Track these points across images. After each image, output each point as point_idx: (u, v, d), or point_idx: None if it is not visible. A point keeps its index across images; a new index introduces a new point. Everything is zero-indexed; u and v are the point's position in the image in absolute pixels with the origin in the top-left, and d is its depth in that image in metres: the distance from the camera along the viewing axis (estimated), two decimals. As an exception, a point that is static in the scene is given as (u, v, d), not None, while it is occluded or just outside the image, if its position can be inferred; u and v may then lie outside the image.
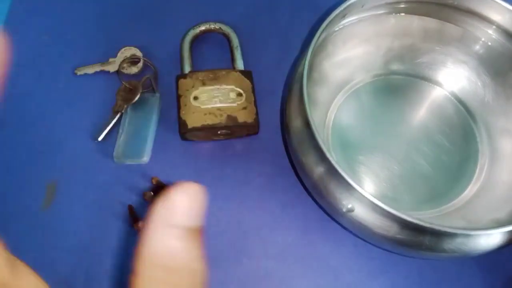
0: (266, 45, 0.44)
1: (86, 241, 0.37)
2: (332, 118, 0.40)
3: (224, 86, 0.39)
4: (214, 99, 0.38)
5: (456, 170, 0.39)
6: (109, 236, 0.37)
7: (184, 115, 0.38)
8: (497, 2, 0.36)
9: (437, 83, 0.42)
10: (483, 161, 0.39)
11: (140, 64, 0.43)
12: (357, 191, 0.28)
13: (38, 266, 0.16)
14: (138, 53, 0.43)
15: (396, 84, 0.42)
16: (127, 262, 0.36)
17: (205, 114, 0.38)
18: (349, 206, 0.30)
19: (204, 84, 0.39)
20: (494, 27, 0.38)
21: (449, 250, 0.29)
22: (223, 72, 0.40)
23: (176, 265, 0.14)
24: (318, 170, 0.31)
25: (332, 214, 0.33)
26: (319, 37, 0.33)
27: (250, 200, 0.38)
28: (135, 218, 0.37)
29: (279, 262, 0.36)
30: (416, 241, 0.29)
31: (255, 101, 0.39)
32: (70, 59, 0.43)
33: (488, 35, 0.38)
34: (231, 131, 0.39)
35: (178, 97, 0.39)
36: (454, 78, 0.41)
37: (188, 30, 0.43)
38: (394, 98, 0.42)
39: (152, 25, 0.45)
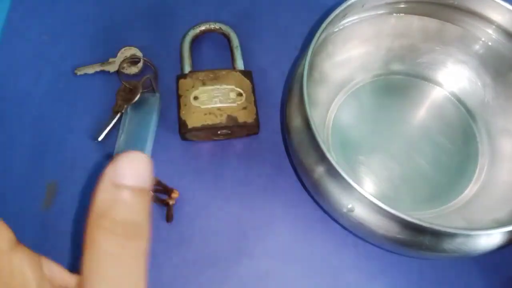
0: (266, 45, 0.44)
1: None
2: (332, 118, 0.40)
3: (224, 86, 0.39)
4: (214, 99, 0.38)
5: (456, 170, 0.39)
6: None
7: (184, 115, 0.38)
8: (497, 2, 0.36)
9: (437, 83, 0.42)
10: (483, 161, 0.39)
11: (140, 64, 0.43)
12: (357, 191, 0.28)
13: (38, 266, 0.16)
14: (138, 53, 0.43)
15: (396, 84, 0.42)
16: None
17: (205, 114, 0.38)
18: (349, 206, 0.30)
19: (204, 84, 0.39)
20: (494, 27, 0.38)
21: (449, 250, 0.29)
22: (223, 72, 0.40)
23: (121, 218, 0.16)
24: (318, 170, 0.31)
25: (332, 214, 0.33)
26: (319, 37, 0.33)
27: (250, 200, 0.38)
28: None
29: (279, 262, 0.36)
30: (416, 241, 0.29)
31: (255, 101, 0.39)
32: (70, 59, 0.43)
33: (488, 35, 0.38)
34: (231, 131, 0.39)
35: (178, 97, 0.39)
36: (454, 78, 0.41)
37: (188, 30, 0.43)
38: (394, 98, 0.42)
39: (152, 25, 0.45)
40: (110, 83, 0.42)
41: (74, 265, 0.36)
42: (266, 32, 0.45)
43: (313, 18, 0.45)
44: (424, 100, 0.42)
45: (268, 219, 0.38)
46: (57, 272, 0.21)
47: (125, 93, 0.41)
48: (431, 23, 0.40)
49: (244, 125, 0.38)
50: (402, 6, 0.39)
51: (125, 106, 0.40)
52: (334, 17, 0.34)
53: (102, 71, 0.43)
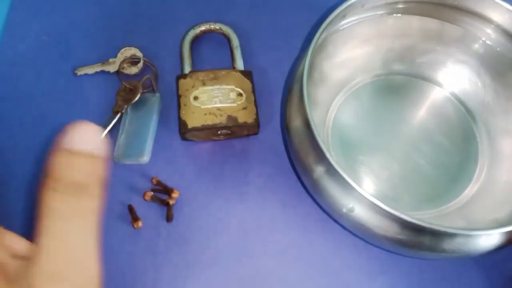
0: (266, 45, 0.44)
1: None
2: (332, 118, 0.40)
3: (224, 86, 0.39)
4: (214, 99, 0.38)
5: (456, 170, 0.39)
6: (109, 235, 0.37)
7: (184, 115, 0.38)
8: (497, 2, 0.36)
9: (437, 83, 0.42)
10: (483, 161, 0.39)
11: (140, 64, 0.43)
12: (357, 191, 0.28)
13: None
14: (138, 53, 0.43)
15: (396, 84, 0.42)
16: (125, 261, 0.36)
17: (205, 114, 0.38)
18: (349, 206, 0.30)
19: (204, 84, 0.39)
20: (494, 27, 0.38)
21: (449, 250, 0.29)
22: (223, 72, 0.40)
23: (67, 179, 0.18)
24: (318, 170, 0.31)
25: (332, 214, 0.33)
26: (319, 37, 0.33)
27: (250, 200, 0.38)
28: (135, 217, 0.37)
29: (279, 262, 0.36)
30: (416, 241, 0.29)
31: (255, 101, 0.39)
32: (70, 59, 0.43)
33: (488, 35, 0.39)
34: (231, 131, 0.39)
35: (178, 97, 0.39)
36: (454, 78, 0.41)
37: (188, 30, 0.43)
38: (394, 98, 0.42)
39: (152, 25, 0.45)
40: (110, 83, 0.42)
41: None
42: (266, 32, 0.45)
43: (313, 18, 0.45)
44: (424, 100, 0.42)
45: (268, 219, 0.38)
46: (14, 240, 0.22)
47: (125, 93, 0.41)
48: (431, 23, 0.40)
49: (244, 125, 0.38)
50: (402, 6, 0.39)
51: (125, 106, 0.40)
52: (334, 18, 0.34)
53: (102, 71, 0.43)
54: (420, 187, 0.38)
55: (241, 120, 0.38)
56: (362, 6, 0.36)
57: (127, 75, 0.43)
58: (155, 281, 0.36)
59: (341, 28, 0.38)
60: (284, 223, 0.38)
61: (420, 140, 0.40)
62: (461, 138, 0.40)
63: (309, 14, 0.45)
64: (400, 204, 0.37)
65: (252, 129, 0.39)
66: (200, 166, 0.40)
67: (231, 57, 0.42)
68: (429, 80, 0.42)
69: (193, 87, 0.39)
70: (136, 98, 0.40)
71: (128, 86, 0.41)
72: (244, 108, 0.38)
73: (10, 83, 0.42)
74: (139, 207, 0.38)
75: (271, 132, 0.41)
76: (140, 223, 0.37)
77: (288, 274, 0.36)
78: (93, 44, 0.44)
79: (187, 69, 0.41)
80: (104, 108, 0.41)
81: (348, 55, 0.41)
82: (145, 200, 0.37)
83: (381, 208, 0.28)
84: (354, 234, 0.36)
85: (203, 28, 0.43)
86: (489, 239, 0.30)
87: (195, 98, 0.39)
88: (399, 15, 0.40)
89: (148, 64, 0.43)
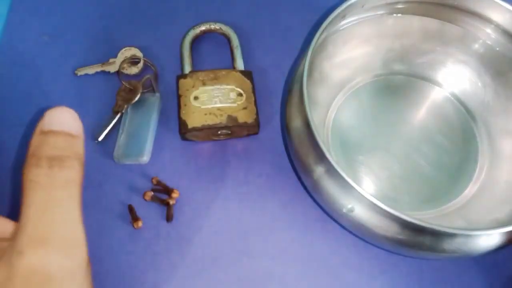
0: (266, 45, 0.44)
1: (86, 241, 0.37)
2: (332, 118, 0.40)
3: (224, 86, 0.39)
4: (214, 99, 0.38)
5: (456, 170, 0.39)
6: (109, 235, 0.37)
7: (184, 115, 0.38)
8: (497, 2, 0.36)
9: (437, 83, 0.42)
10: (483, 161, 0.39)
11: (141, 65, 0.43)
12: (357, 191, 0.28)
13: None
14: (139, 54, 0.43)
15: (396, 85, 0.42)
16: (125, 261, 0.36)
17: (205, 114, 0.38)
18: (349, 206, 0.30)
19: (204, 84, 0.39)
20: (494, 27, 0.38)
21: (449, 250, 0.29)
22: (223, 72, 0.40)
23: (46, 154, 0.20)
24: (318, 170, 0.31)
25: (332, 214, 0.33)
26: (319, 37, 0.33)
27: (250, 200, 0.38)
28: (135, 217, 0.37)
29: (279, 262, 0.36)
30: (416, 241, 0.29)
31: (255, 101, 0.39)
32: (70, 60, 0.43)
33: (488, 35, 0.39)
34: (231, 131, 0.39)
35: (178, 97, 0.39)
36: (454, 78, 0.41)
37: (188, 30, 0.43)
38: (394, 99, 0.42)
39: (152, 26, 0.45)
40: (110, 83, 0.42)
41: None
42: (266, 32, 0.45)
43: (313, 18, 0.45)
44: (424, 100, 0.42)
45: (268, 219, 0.38)
46: (1, 222, 0.23)
47: (126, 93, 0.41)
48: (431, 23, 0.40)
49: (244, 125, 0.38)
50: (402, 6, 0.39)
51: (125, 106, 0.40)
52: (334, 18, 0.34)
53: (103, 72, 0.43)
54: (420, 187, 0.38)
55: (241, 120, 0.38)
56: (362, 6, 0.36)
57: (127, 75, 0.43)
58: (155, 281, 0.36)
59: (341, 28, 0.38)
60: (284, 223, 0.38)
61: (420, 140, 0.40)
62: (461, 138, 0.40)
63: (309, 14, 0.45)
64: (400, 204, 0.37)
65: (252, 129, 0.39)
66: (200, 166, 0.40)
67: (231, 57, 0.42)
68: (429, 80, 0.42)
69: (193, 87, 0.39)
70: (136, 98, 0.40)
71: (128, 86, 0.41)
72: (244, 108, 0.38)
73: (10, 83, 0.42)
74: (139, 207, 0.38)
75: (271, 132, 0.41)
76: (140, 223, 0.37)
77: (288, 274, 0.36)
78: (93, 44, 0.44)
79: (187, 69, 0.41)
80: (104, 108, 0.41)
81: (348, 55, 0.41)
82: (145, 200, 0.37)
83: (381, 208, 0.28)
84: (354, 234, 0.36)
85: (203, 28, 0.43)
86: (489, 239, 0.30)
87: (195, 98, 0.39)
88: (399, 15, 0.40)
89: (148, 64, 0.43)
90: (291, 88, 0.35)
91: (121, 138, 0.39)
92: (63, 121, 0.21)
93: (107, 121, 0.40)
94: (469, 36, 0.39)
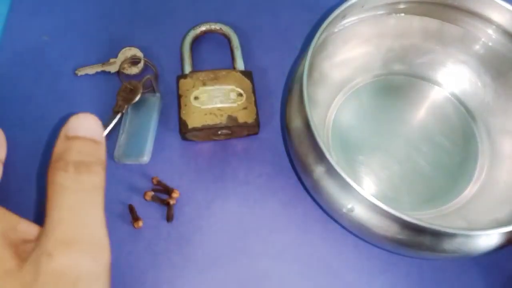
0: (266, 45, 0.44)
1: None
2: (332, 118, 0.40)
3: (225, 86, 0.39)
4: (215, 99, 0.38)
5: (456, 170, 0.39)
6: (109, 235, 0.37)
7: (185, 115, 0.38)
8: (497, 2, 0.36)
9: (437, 83, 0.42)
10: (483, 161, 0.39)
11: (141, 65, 0.43)
12: (357, 191, 0.28)
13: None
14: (139, 54, 0.43)
15: (396, 84, 0.42)
16: (126, 261, 0.36)
17: (206, 114, 0.38)
18: (349, 206, 0.30)
19: (204, 84, 0.39)
20: (494, 27, 0.38)
21: (449, 250, 0.29)
22: (224, 72, 0.40)
23: (73, 160, 0.20)
24: (318, 170, 0.31)
25: (332, 214, 0.34)
26: (319, 37, 0.33)
27: (250, 200, 0.38)
28: (135, 217, 0.37)
29: (279, 262, 0.36)
30: (416, 241, 0.30)
31: (255, 101, 0.39)
32: (71, 60, 0.43)
33: (488, 35, 0.39)
34: (231, 131, 0.39)
35: (179, 97, 0.39)
36: (454, 78, 0.41)
37: (189, 31, 0.43)
38: (394, 98, 0.42)
39: (152, 26, 0.45)
40: (110, 84, 0.42)
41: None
42: (266, 32, 0.45)
43: (313, 18, 0.45)
44: (424, 100, 0.42)
45: (268, 219, 0.38)
46: (26, 226, 0.23)
47: (126, 93, 0.41)
48: (431, 23, 0.40)
49: (244, 125, 0.38)
50: (402, 6, 0.39)
51: (126, 106, 0.40)
52: (334, 18, 0.34)
53: (103, 72, 0.43)
54: (420, 187, 0.38)
55: (241, 120, 0.38)
56: (362, 6, 0.36)
57: (128, 75, 0.43)
58: (155, 281, 0.36)
59: (341, 28, 0.38)
60: (284, 223, 0.38)
61: (420, 140, 0.40)
62: (461, 138, 0.40)
63: (309, 14, 0.45)
64: (400, 204, 0.37)
65: (252, 129, 0.39)
66: (200, 166, 0.40)
67: (231, 57, 0.42)
68: (429, 80, 0.42)
69: (193, 87, 0.39)
70: (137, 98, 0.40)
71: (128, 86, 0.41)
72: (244, 108, 0.38)
73: (10, 83, 0.42)
74: (140, 207, 0.38)
75: (271, 132, 0.41)
76: (140, 223, 0.37)
77: (288, 274, 0.36)
78: (93, 44, 0.44)
79: (187, 69, 0.41)
80: (104, 108, 0.41)
81: (348, 55, 0.41)
82: (146, 200, 0.38)
83: (381, 208, 0.28)
84: (354, 234, 0.36)
85: (203, 28, 0.43)
86: (489, 239, 0.30)
87: (196, 98, 0.39)
88: (399, 15, 0.40)
89: (149, 64, 0.43)
90: (291, 88, 0.35)
91: (122, 138, 0.39)
92: (88, 127, 0.21)
93: (108, 121, 0.40)
94: (469, 36, 0.39)
